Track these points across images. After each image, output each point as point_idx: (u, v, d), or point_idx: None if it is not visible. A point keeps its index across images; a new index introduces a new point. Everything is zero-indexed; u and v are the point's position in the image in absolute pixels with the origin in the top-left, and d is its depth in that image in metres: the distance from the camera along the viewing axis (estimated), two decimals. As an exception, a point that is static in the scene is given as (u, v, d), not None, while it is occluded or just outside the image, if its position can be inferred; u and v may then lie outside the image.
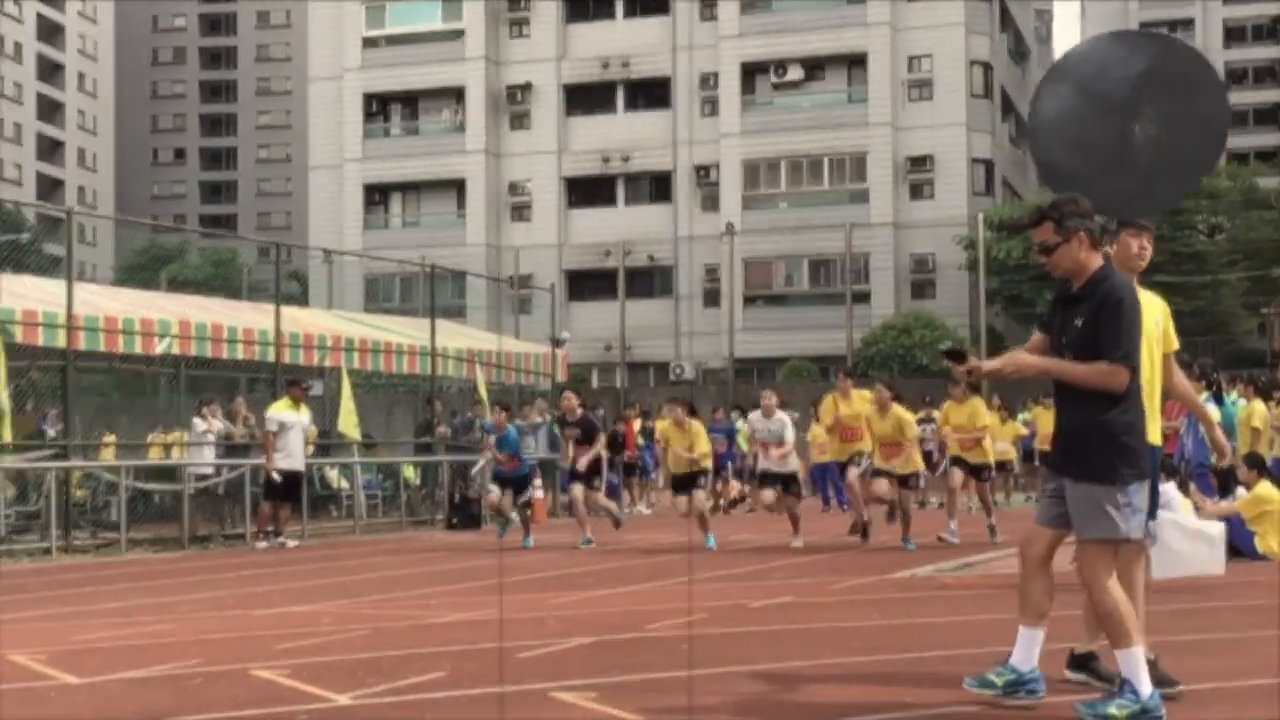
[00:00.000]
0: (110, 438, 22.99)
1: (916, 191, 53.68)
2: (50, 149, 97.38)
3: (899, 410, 15.45)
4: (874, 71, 53.70)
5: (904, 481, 15.48)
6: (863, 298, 51.62)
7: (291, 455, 18.05)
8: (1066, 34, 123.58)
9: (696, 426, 16.31)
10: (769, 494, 16.50)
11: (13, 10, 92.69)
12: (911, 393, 28.45)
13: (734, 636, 8.89)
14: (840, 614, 10.01)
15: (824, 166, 54.27)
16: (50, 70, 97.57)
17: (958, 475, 16.40)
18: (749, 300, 53.47)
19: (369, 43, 58.02)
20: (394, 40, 57.88)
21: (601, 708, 6.36)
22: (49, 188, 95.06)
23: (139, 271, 49.14)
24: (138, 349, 20.60)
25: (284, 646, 8.42)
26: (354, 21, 58.00)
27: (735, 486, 26.58)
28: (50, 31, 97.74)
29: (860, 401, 16.06)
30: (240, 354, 21.66)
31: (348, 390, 22.32)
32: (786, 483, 16.44)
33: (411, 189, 58.58)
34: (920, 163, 53.41)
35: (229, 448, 20.94)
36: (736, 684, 7.00)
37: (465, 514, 21.56)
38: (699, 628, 9.17)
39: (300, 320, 23.97)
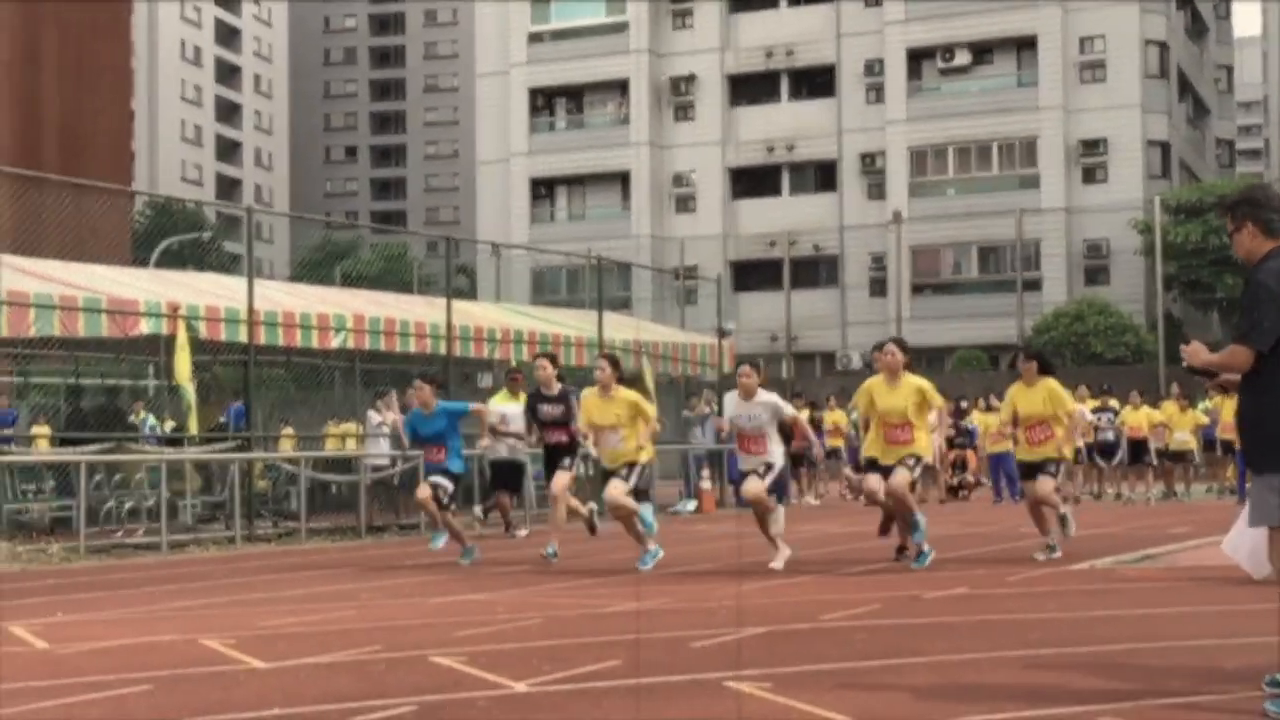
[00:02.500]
0: (288, 430, 23.61)
1: (1089, 175, 52.50)
2: (228, 149, 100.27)
3: (914, 380, 12.19)
4: (1044, 54, 52.66)
5: (901, 465, 12.12)
6: (1033, 285, 50.68)
7: (514, 446, 18.00)
8: (1246, 11, 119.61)
9: (625, 394, 12.72)
10: (752, 485, 12.22)
11: (192, 15, 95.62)
12: (1086, 381, 27.87)
13: (908, 628, 8.80)
14: (1017, 605, 9.84)
15: (993, 152, 53.39)
16: (228, 73, 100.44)
17: (1046, 483, 12.88)
18: (916, 289, 52.86)
19: (534, 38, 58.63)
20: (559, 35, 58.39)
21: (777, 698, 6.34)
22: (227, 187, 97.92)
23: (314, 267, 50.27)
24: (314, 343, 21.11)
25: (461, 634, 8.55)
26: (519, 17, 58.66)
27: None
28: (227, 35, 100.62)
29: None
30: (412, 347, 22.07)
31: (517, 382, 22.54)
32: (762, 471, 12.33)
33: (577, 182, 59.07)
34: (1093, 146, 52.22)
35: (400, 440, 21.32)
36: (911, 675, 6.92)
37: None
38: (872, 619, 9.09)
39: (470, 313, 24.34)
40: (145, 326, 18.61)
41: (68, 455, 17.70)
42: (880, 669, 7.14)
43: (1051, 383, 12.94)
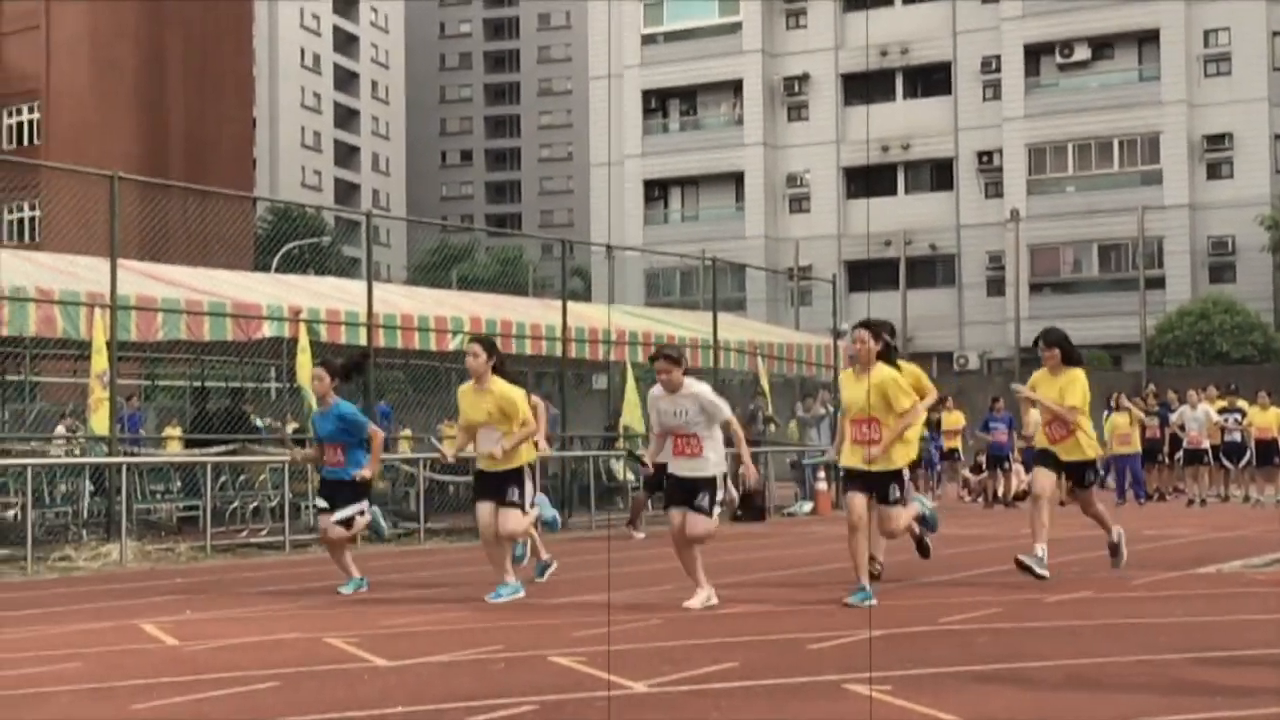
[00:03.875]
0: (406, 431, 23.90)
1: (1214, 171, 51.43)
2: (347, 155, 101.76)
3: (888, 371, 10.06)
4: (1166, 48, 51.69)
5: (882, 489, 10.11)
6: (1156, 283, 49.78)
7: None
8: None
9: (501, 386, 10.71)
10: (696, 525, 9.92)
11: (311, 24, 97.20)
12: (1212, 380, 27.30)
13: (1030, 631, 8.69)
14: (1142, 610, 9.67)
15: (1114, 148, 52.51)
16: (346, 79, 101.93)
17: (1045, 477, 11.48)
18: (1035, 288, 52.15)
19: (647, 40, 58.79)
20: (672, 36, 58.50)
21: (896, 701, 6.30)
22: (346, 192, 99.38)
23: (430, 271, 50.88)
24: (432, 345, 21.36)
25: (579, 634, 8.61)
26: (632, 19, 58.85)
27: (1020, 477, 25.96)
28: (345, 42, 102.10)
29: None
30: (528, 349, 22.23)
31: (632, 384, 22.65)
32: (696, 494, 9.92)
33: (690, 183, 59.13)
34: (1218, 141, 51.14)
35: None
36: (1035, 678, 6.84)
37: (751, 506, 21.64)
38: (993, 622, 8.99)
39: (584, 315, 24.47)
40: (268, 330, 18.98)
41: (194, 456, 18.10)
42: (1003, 673, 7.06)
43: (1076, 374, 11.30)
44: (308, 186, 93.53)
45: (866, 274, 55.30)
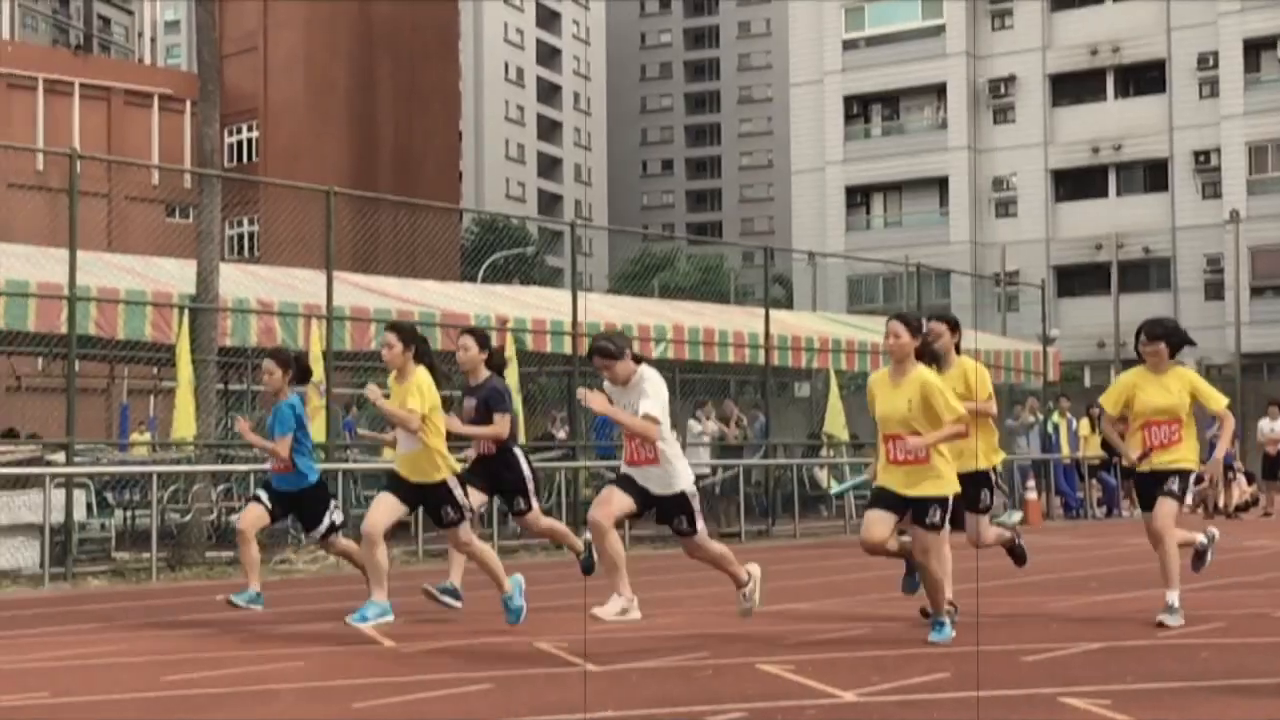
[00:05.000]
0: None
1: None
2: (550, 166, 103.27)
3: (928, 374, 8.39)
4: (1395, 37, 49.42)
5: (919, 512, 8.38)
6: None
7: None
8: None
9: (420, 377, 9.40)
10: (611, 541, 9.30)
11: (515, 38, 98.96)
12: None
13: (1256, 647, 8.39)
14: (1377, 627, 9.25)
15: (1340, 144, 50.41)
16: (549, 91, 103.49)
17: (1167, 507, 9.21)
18: (1256, 291, 50.28)
19: (849, 45, 58.40)
20: (874, 41, 58.00)
21: (1115, 715, 6.14)
22: (549, 203, 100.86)
23: (632, 280, 51.33)
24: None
25: (788, 642, 8.59)
26: (834, 25, 58.52)
27: (1242, 487, 25.05)
28: (548, 55, 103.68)
29: None
30: (731, 357, 22.28)
31: (835, 391, 22.53)
32: (672, 519, 9.00)
33: (893, 189, 58.52)
34: None
35: (723, 448, 21.58)
36: (1260, 696, 6.60)
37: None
38: (1217, 636, 8.71)
39: (787, 323, 24.42)
40: (478, 339, 19.36)
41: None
42: (1226, 689, 6.83)
43: (1188, 372, 9.51)
44: (512, 198, 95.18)
45: (1076, 279, 54.00)
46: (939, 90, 57.18)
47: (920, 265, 26.26)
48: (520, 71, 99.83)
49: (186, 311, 16.03)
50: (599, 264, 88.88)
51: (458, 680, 7.33)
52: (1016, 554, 10.36)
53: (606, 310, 22.18)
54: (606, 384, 8.62)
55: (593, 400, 8.33)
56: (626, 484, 8.90)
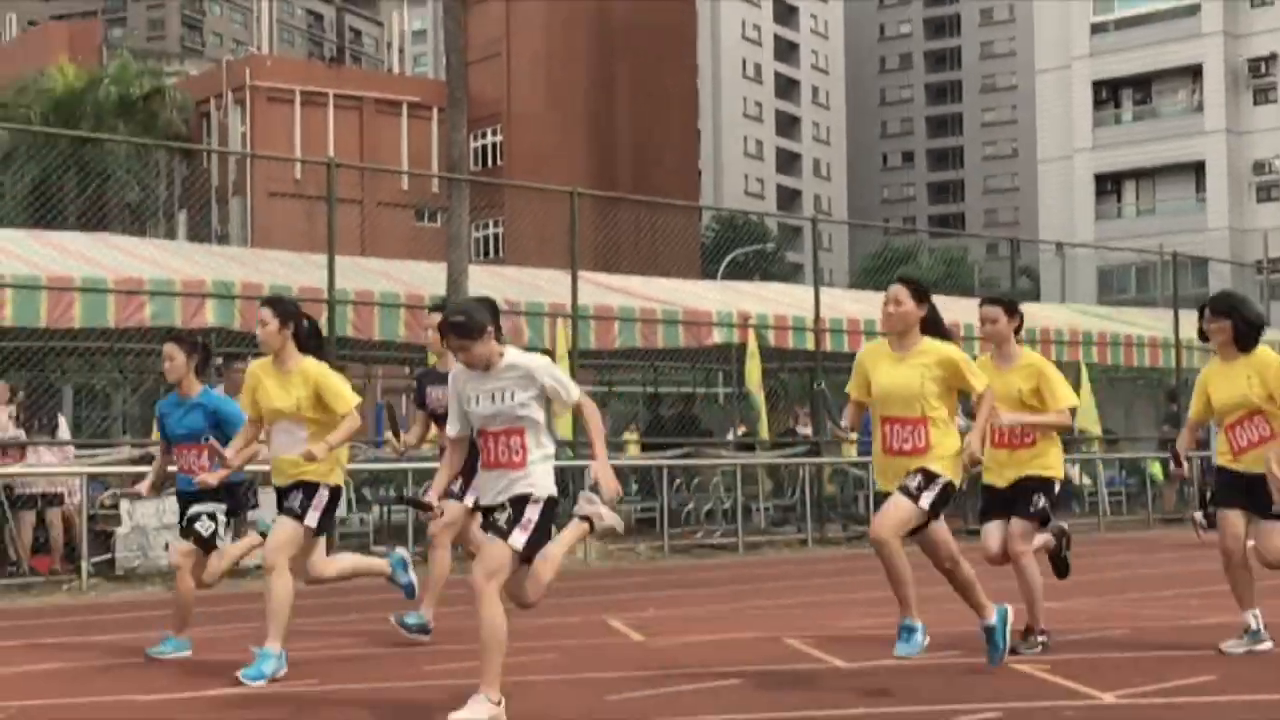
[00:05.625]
0: (852, 435, 23.96)
1: None
2: (788, 161, 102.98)
3: (945, 348, 7.04)
4: None
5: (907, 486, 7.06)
6: None
7: None
8: None
9: (311, 366, 7.85)
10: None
11: (752, 34, 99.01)
12: None
13: None
14: None
15: None
16: (786, 86, 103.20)
17: (1233, 521, 7.85)
18: None
19: (1097, 28, 56.72)
20: (1124, 23, 56.22)
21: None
22: (788, 198, 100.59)
23: (874, 274, 50.81)
24: (879, 348, 21.38)
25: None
26: (1081, 8, 56.92)
27: None
28: (786, 51, 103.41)
29: None
30: (976, 350, 21.90)
31: (1087, 385, 21.95)
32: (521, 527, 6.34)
33: (1145, 175, 56.62)
34: None
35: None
36: None
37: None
38: None
39: (1035, 315, 23.85)
40: (717, 336, 19.51)
41: (651, 460, 18.79)
42: None
43: (1267, 355, 7.79)
44: (750, 194, 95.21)
45: (1346, 265, 51.44)
46: (1194, 72, 55.08)
47: (1176, 254, 25.36)
48: (758, 68, 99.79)
49: (438, 313, 16.49)
50: (839, 259, 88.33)
51: (707, 675, 7.39)
52: (1059, 564, 8.71)
53: (848, 305, 22.05)
54: (457, 367, 6.55)
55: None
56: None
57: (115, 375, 24.12)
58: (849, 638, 8.77)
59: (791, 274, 62.86)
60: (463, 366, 6.47)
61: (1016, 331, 8.11)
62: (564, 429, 17.16)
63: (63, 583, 12.28)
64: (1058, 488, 8.03)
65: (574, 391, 6.47)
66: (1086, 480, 22.39)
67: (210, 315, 15.54)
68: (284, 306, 7.91)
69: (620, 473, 18.79)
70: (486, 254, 51.37)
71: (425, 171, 49.25)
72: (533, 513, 6.27)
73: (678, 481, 18.42)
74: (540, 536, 6.29)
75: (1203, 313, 8.00)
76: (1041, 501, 7.82)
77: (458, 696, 6.20)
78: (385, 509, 17.67)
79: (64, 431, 15.19)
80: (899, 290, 7.09)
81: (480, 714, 6.05)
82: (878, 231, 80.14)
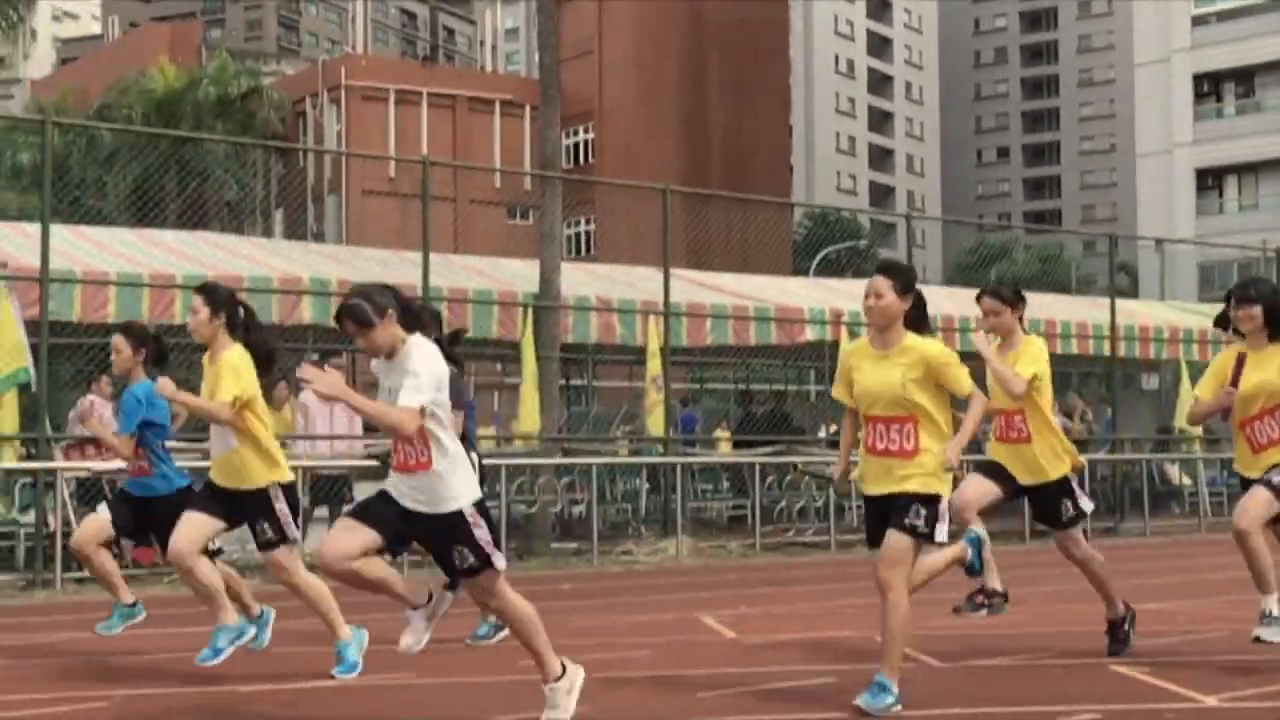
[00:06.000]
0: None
1: None
2: (881, 157, 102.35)
3: (930, 345, 6.55)
4: None
5: (898, 514, 6.45)
6: None
7: None
8: None
9: (232, 355, 7.40)
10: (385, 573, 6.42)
11: (845, 30, 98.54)
12: None
13: None
14: None
15: None
16: (879, 82, 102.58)
17: (1260, 498, 7.31)
18: None
19: (1198, 21, 55.76)
20: (1226, 15, 55.23)
21: None
22: (881, 194, 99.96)
23: (968, 271, 50.37)
24: (973, 346, 21.17)
25: (1141, 643, 8.30)
26: (1182, 1, 56.01)
27: None
28: (879, 46, 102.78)
29: None
30: (1074, 349, 21.73)
31: (1186, 383, 21.59)
32: (450, 548, 5.97)
33: (1248, 170, 55.58)
34: None
35: (1077, 442, 20.98)
36: None
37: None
38: None
39: (1133, 313, 23.56)
40: (810, 333, 19.44)
41: (743, 457, 18.77)
42: None
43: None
44: (843, 191, 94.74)
45: None
46: (1298, 64, 54.04)
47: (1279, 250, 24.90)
48: (851, 63, 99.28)
49: (531, 310, 16.61)
50: (932, 255, 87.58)
51: (800, 673, 7.38)
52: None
53: (943, 302, 21.85)
54: (373, 363, 6.11)
55: (315, 379, 5.75)
56: (381, 502, 6.09)
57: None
58: (943, 636, 8.71)
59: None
60: (384, 359, 6.01)
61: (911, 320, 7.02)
62: (655, 427, 17.21)
63: (164, 575, 12.50)
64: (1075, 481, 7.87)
65: (412, 399, 5.72)
66: (1187, 480, 22.06)
67: (307, 312, 15.73)
68: (216, 294, 7.53)
69: (710, 470, 18.81)
70: (578, 251, 51.58)
71: (518, 169, 49.51)
72: (460, 534, 5.80)
73: (769, 479, 18.37)
74: (480, 547, 5.84)
75: (1229, 300, 7.58)
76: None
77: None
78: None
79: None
80: (880, 281, 6.56)
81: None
82: (972, 228, 79.42)
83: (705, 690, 6.98)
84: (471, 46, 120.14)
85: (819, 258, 48.70)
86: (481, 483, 8.02)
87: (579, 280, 18.66)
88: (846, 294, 21.92)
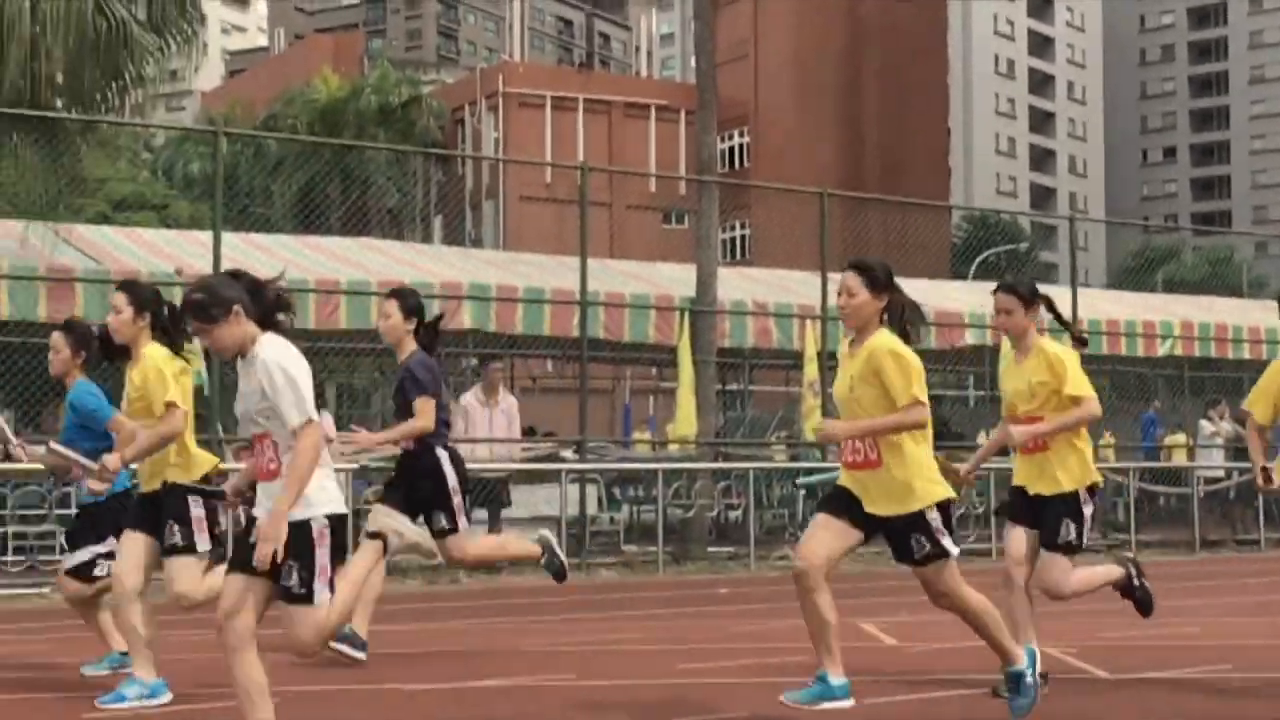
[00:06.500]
0: (1109, 439, 23.31)
1: None
2: (1042, 159, 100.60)
3: (886, 341, 5.90)
4: None
5: (900, 540, 6.00)
6: None
7: None
8: None
9: (153, 353, 6.83)
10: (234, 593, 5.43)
11: (1005, 29, 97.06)
12: None
13: None
14: None
15: None
16: (1040, 82, 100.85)
17: None
18: None
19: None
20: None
21: None
22: (1041, 196, 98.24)
23: (1134, 274, 49.29)
24: (1139, 351, 20.73)
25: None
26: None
27: None
28: (1040, 45, 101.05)
29: None
30: (1246, 354, 21.13)
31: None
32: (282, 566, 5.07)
33: None
34: None
35: (1237, 450, 20.39)
36: None
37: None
38: None
39: (1309, 316, 22.82)
40: (969, 338, 19.19)
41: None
42: None
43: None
44: (1002, 193, 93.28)
45: None
46: None
47: None
48: (1011, 63, 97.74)
49: (687, 314, 16.64)
50: (1096, 259, 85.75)
51: (964, 682, 7.27)
52: (1140, 601, 7.23)
53: (1108, 306, 21.46)
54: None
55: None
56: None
57: (375, 375, 25.00)
58: (1113, 648, 8.52)
59: (1045, 274, 61.25)
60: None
61: (1060, 321, 7.06)
62: (812, 433, 17.10)
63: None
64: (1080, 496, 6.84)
65: (293, 416, 5.07)
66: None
67: (467, 317, 15.97)
68: (139, 292, 7.01)
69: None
70: (734, 255, 51.52)
71: (675, 174, 49.64)
72: (302, 552, 5.03)
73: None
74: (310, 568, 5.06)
75: None
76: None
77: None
78: (635, 508, 17.88)
79: (329, 428, 15.77)
80: (850, 278, 5.96)
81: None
82: (1137, 230, 77.62)
83: (866, 697, 6.90)
84: (627, 52, 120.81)
85: (978, 261, 47.99)
86: (463, 479, 7.99)
87: (735, 284, 18.65)
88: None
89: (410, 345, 7.98)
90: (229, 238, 15.00)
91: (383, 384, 25.10)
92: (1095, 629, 9.48)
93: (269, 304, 5.33)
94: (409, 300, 8.06)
